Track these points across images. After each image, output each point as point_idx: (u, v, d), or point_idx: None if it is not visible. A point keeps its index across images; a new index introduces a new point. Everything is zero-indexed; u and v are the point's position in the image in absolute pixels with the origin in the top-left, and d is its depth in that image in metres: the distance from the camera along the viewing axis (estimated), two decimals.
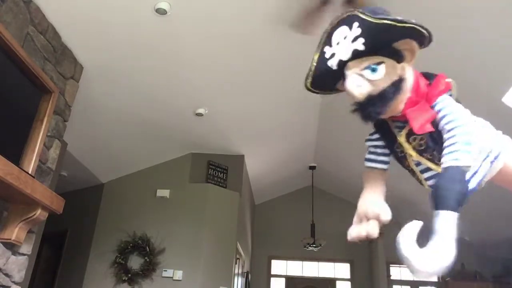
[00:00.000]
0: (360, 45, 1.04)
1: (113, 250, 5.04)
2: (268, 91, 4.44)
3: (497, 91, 3.54)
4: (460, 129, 1.00)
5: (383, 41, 1.05)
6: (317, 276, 8.12)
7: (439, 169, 1.02)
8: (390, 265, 7.79)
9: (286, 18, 2.62)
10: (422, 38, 1.05)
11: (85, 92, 3.58)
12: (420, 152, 1.13)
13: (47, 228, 3.97)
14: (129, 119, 4.43)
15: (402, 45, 1.07)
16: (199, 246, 5.07)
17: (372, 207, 1.12)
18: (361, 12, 1.04)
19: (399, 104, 1.07)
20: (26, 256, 2.79)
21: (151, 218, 5.22)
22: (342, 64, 1.08)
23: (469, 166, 0.96)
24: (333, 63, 1.09)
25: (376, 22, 1.01)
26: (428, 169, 1.13)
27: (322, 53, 1.11)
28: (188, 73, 3.85)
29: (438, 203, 0.91)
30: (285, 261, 8.29)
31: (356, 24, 1.04)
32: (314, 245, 6.96)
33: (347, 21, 1.06)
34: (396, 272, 7.97)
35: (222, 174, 5.60)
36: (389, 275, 7.64)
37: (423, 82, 1.11)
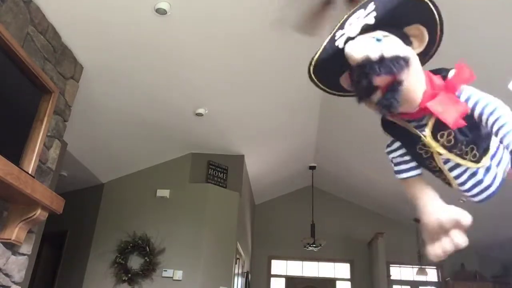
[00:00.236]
0: (371, 18, 1.01)
1: (113, 250, 5.04)
2: (268, 91, 4.44)
3: (497, 90, 3.54)
4: (501, 109, 0.94)
5: (395, 19, 1.02)
6: (317, 276, 8.12)
7: (469, 164, 0.97)
8: (390, 265, 7.80)
9: (287, 18, 2.62)
10: (433, 25, 1.03)
11: (85, 92, 3.58)
12: (450, 149, 1.04)
13: (47, 228, 3.97)
14: (129, 119, 4.43)
15: (412, 30, 1.04)
16: (199, 246, 5.07)
17: (446, 216, 1.00)
18: None
19: (415, 92, 1.00)
20: (26, 256, 2.79)
21: (151, 218, 5.22)
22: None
23: None
24: (340, 42, 1.04)
25: None
26: (457, 166, 1.06)
27: (333, 36, 1.07)
28: (188, 73, 3.85)
29: None
30: (285, 261, 8.29)
31: (371, 4, 1.02)
32: (314, 245, 6.95)
33: (364, 5, 1.04)
34: (396, 272, 7.97)
35: (222, 174, 5.60)
36: (389, 275, 7.64)
37: (435, 77, 1.07)
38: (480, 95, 1.00)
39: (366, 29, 1.02)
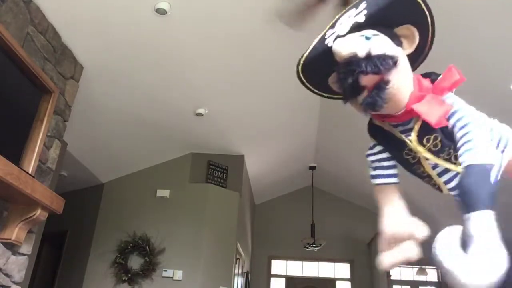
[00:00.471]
0: (361, 16, 1.00)
1: (113, 250, 5.04)
2: (268, 91, 4.44)
3: (497, 90, 3.54)
4: (473, 125, 0.92)
5: (386, 19, 1.01)
6: (317, 276, 8.12)
7: (458, 169, 0.94)
8: None
9: (286, 18, 2.62)
10: (424, 26, 1.02)
11: (85, 92, 3.58)
12: (437, 153, 1.03)
13: (47, 228, 3.97)
14: (129, 119, 4.43)
15: (402, 30, 1.03)
16: (199, 246, 5.07)
17: (403, 227, 1.00)
18: None
19: (401, 92, 0.97)
20: (26, 256, 2.79)
21: (151, 218, 5.22)
22: None
23: (492, 164, 0.88)
24: (329, 40, 1.03)
25: None
26: (446, 171, 1.05)
27: (324, 35, 1.05)
28: (188, 73, 3.85)
29: (470, 204, 0.80)
30: (285, 261, 8.29)
31: (363, 3, 1.01)
32: (314, 245, 6.96)
33: (356, 4, 1.03)
34: (396, 272, 7.97)
35: (222, 174, 5.60)
36: (389, 275, 7.64)
37: (424, 80, 1.06)
38: (460, 106, 0.98)
39: (356, 27, 1.01)
